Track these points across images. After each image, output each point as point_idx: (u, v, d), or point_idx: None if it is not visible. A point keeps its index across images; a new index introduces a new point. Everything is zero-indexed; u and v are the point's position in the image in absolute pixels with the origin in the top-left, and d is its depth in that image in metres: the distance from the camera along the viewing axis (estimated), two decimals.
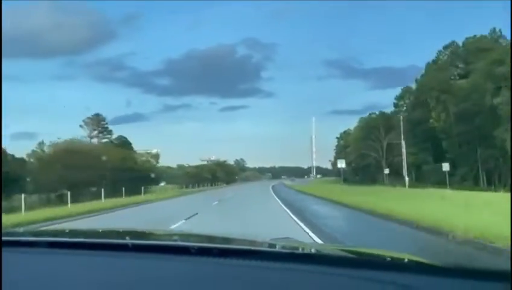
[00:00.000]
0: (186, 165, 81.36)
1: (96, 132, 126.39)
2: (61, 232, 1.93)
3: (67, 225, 15.67)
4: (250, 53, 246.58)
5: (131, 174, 50.96)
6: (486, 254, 8.14)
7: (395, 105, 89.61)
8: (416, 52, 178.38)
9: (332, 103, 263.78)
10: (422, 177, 71.15)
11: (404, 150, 53.32)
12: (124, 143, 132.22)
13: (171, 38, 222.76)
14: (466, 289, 1.04)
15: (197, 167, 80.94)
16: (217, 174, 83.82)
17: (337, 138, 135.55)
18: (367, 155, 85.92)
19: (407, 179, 50.19)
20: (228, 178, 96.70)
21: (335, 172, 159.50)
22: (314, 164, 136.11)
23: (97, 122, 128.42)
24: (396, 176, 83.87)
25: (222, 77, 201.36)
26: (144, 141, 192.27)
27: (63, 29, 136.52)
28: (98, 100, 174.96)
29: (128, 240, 1.48)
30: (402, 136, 56.08)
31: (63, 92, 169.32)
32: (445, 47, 68.74)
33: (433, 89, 64.45)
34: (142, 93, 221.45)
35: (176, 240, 1.67)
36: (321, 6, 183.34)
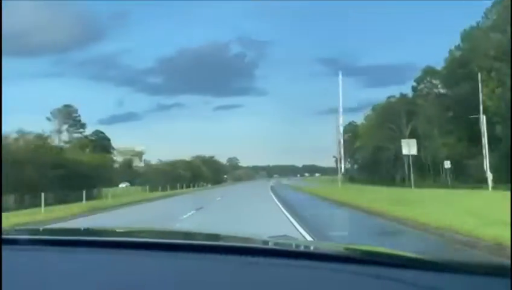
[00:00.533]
0: (156, 162, 62.58)
1: (66, 126, 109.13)
2: (57, 231, 1.89)
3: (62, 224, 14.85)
4: (244, 51, 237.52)
5: (73, 173, 33.97)
6: None
7: (414, 89, 72.58)
8: (410, 50, 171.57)
9: (327, 101, 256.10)
10: (465, 175, 54.36)
11: (484, 129, 35.91)
12: (101, 139, 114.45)
13: (163, 36, 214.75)
14: (466, 284, 1.03)
15: (171, 163, 61.64)
16: (201, 173, 66.31)
17: None
18: (385, 148, 68.84)
19: (490, 176, 32.95)
20: (216, 177, 78.93)
21: (338, 170, 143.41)
22: (342, 161, 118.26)
23: (67, 114, 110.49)
24: (422, 173, 67.03)
25: (215, 75, 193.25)
26: (136, 140, 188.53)
27: (53, 27, 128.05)
28: (90, 99, 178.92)
29: (125, 238, 1.49)
30: (481, 108, 38.61)
31: (54, 91, 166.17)
32: (495, 4, 51.89)
33: (483, 56, 47.45)
34: (135, 92, 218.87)
35: (174, 238, 1.62)
36: (315, 4, 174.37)
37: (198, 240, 1.53)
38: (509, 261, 1.06)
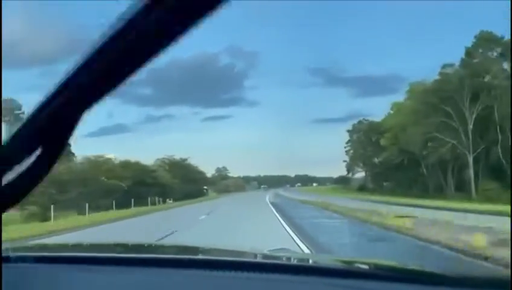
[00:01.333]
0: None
1: (4, 124, 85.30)
2: (50, 247, 1.86)
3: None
4: (233, 61, 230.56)
5: None
6: None
7: (466, 63, 48.58)
8: (398, 61, 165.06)
9: (317, 111, 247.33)
10: None
11: None
12: None
13: None
14: None
15: (90, 166, 33.69)
16: (161, 182, 41.70)
17: (348, 131, 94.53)
18: (441, 142, 45.06)
19: None
20: (189, 188, 53.51)
21: (344, 179, 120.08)
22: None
23: (7, 109, 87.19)
24: (497, 179, 43.53)
25: (205, 86, 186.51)
26: (126, 152, 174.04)
27: (40, 38, 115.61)
28: None
29: (124, 254, 1.44)
30: None
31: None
32: None
33: None
34: (124, 103, 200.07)
35: (173, 253, 1.59)
36: (304, 14, 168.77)
37: (194, 255, 1.44)
38: (509, 273, 1.03)
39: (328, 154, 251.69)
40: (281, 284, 1.04)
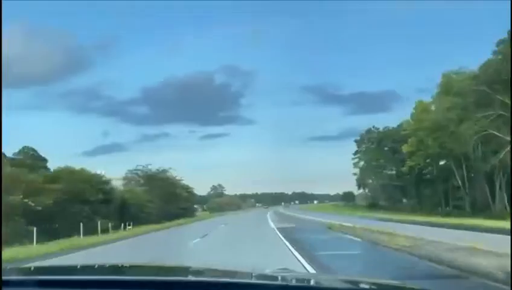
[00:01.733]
0: None
1: None
2: (50, 270, 1.80)
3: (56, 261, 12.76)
4: (229, 80, 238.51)
5: None
6: None
7: (496, 53, 37.54)
8: (391, 78, 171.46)
9: (313, 129, 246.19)
10: None
11: None
12: (33, 158, 78.87)
13: (147, 66, 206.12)
14: None
15: None
16: (124, 197, 30.08)
17: (355, 141, 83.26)
18: (500, 142, 34.03)
19: None
20: (168, 207, 41.17)
21: (349, 196, 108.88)
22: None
23: None
24: None
25: (201, 104, 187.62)
26: (122, 171, 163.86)
27: (35, 57, 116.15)
28: (74, 131, 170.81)
29: (125, 277, 1.41)
30: None
31: (36, 124, 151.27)
32: None
33: None
34: (120, 122, 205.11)
35: (175, 275, 1.51)
36: (299, 33, 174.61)
37: (200, 277, 1.41)
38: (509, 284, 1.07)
39: (326, 171, 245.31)
40: None
